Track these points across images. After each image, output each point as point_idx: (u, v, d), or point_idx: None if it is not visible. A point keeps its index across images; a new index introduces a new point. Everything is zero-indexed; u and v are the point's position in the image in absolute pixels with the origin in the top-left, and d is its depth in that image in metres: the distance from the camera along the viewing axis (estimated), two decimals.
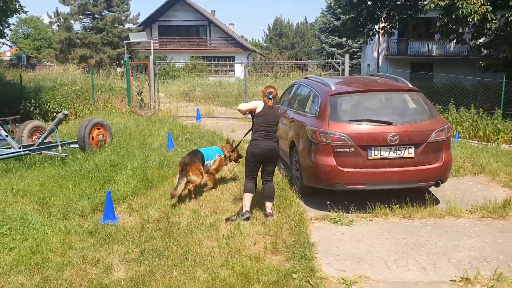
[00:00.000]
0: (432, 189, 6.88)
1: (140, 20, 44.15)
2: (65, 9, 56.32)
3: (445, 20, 14.03)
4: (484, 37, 17.00)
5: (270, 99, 6.02)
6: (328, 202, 6.27)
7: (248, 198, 6.03)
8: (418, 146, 5.92)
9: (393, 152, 5.89)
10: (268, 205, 6.09)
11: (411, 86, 6.65)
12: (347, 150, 5.86)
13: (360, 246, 5.12)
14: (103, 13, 38.86)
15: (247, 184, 6.09)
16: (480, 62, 14.58)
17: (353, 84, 6.89)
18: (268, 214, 6.00)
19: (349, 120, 6.01)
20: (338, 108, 6.13)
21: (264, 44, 73.54)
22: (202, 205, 6.54)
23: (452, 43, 35.09)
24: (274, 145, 5.94)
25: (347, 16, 20.59)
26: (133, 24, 42.79)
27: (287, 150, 7.46)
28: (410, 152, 5.91)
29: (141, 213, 6.36)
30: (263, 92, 6.22)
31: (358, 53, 48.78)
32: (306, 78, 8.06)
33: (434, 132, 5.94)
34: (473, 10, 13.09)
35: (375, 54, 35.63)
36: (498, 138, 11.74)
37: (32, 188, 7.39)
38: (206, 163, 7.17)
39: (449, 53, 34.70)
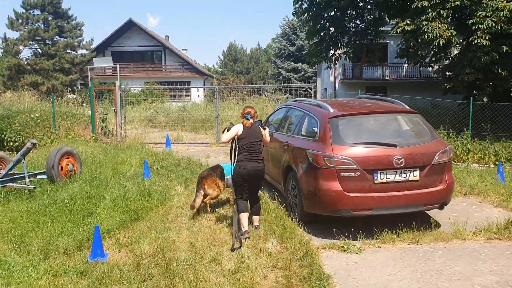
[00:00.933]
0: (430, 212, 6.79)
1: (94, 45, 43.26)
2: (13, 35, 54.45)
3: (411, 44, 14.38)
4: (447, 61, 17.63)
5: (248, 119, 6.17)
6: (334, 230, 6.02)
7: (245, 217, 6.11)
8: (422, 169, 5.82)
9: (399, 175, 5.76)
10: (256, 218, 6.33)
11: (408, 108, 6.61)
12: (353, 174, 5.67)
13: (378, 275, 4.89)
14: (55, 39, 37.75)
15: (240, 205, 6.16)
16: (446, 85, 15.02)
17: (349, 107, 6.76)
18: (256, 226, 6.25)
19: (353, 143, 5.83)
20: (340, 130, 5.96)
21: (219, 69, 73.66)
22: (198, 237, 6.14)
23: (404, 67, 36.67)
24: (259, 165, 6.07)
25: (311, 41, 20.80)
26: (86, 49, 41.84)
27: (279, 176, 7.21)
28: (415, 175, 5.80)
29: (131, 248, 5.88)
30: (241, 114, 6.33)
31: (314, 78, 49.68)
32: (295, 101, 7.89)
33: (437, 154, 5.87)
34: (438, 34, 13.50)
35: (332, 78, 36.33)
36: (468, 158, 11.98)
37: (3, 226, 6.73)
38: (226, 177, 7.19)
39: (402, 77, 36.01)
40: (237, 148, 6.15)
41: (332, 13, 19.29)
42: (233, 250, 5.62)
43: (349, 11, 19.88)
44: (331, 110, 6.23)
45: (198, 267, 5.19)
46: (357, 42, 20.16)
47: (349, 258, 5.39)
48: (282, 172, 7.03)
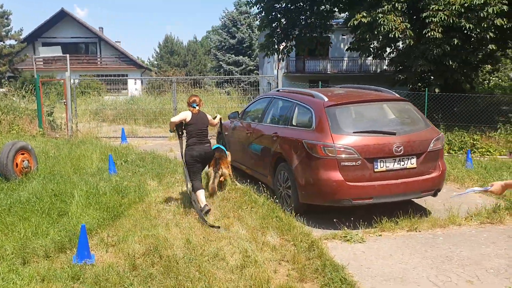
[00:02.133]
0: (418, 199, 6.87)
1: (23, 36, 40.65)
2: None
3: (366, 37, 14.62)
4: (393, 54, 18.16)
5: (195, 107, 6.73)
6: (335, 220, 5.91)
7: (201, 194, 6.61)
8: (419, 156, 5.84)
9: (397, 163, 5.75)
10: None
11: (399, 96, 6.62)
12: (354, 163, 5.58)
13: (390, 264, 4.83)
14: None
15: (195, 184, 6.70)
16: (399, 76, 15.45)
17: (343, 96, 6.66)
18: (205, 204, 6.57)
19: (353, 132, 5.74)
20: (338, 119, 5.84)
21: (155, 62, 71.90)
22: (191, 233, 5.81)
23: (344, 61, 37.59)
24: (208, 148, 6.75)
25: (262, 32, 20.68)
26: (15, 40, 39.25)
27: (266, 168, 7.01)
28: (412, 163, 5.81)
29: (120, 247, 5.46)
30: (187, 103, 6.88)
31: (255, 71, 49.74)
32: (278, 91, 7.70)
33: (432, 141, 5.92)
34: (393, 27, 13.81)
35: (275, 71, 36.50)
36: None
37: None
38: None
39: (342, 70, 36.90)
40: (184, 134, 6.82)
41: (284, 5, 19.27)
42: (213, 226, 5.95)
43: (300, 4, 19.94)
44: (326, 99, 6.10)
45: (202, 264, 4.90)
46: (307, 35, 20.30)
47: (354, 247, 5.30)
48: (270, 164, 6.83)
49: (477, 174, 8.40)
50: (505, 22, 13.55)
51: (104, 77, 36.42)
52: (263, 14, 19.66)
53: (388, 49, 18.08)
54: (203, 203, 6.48)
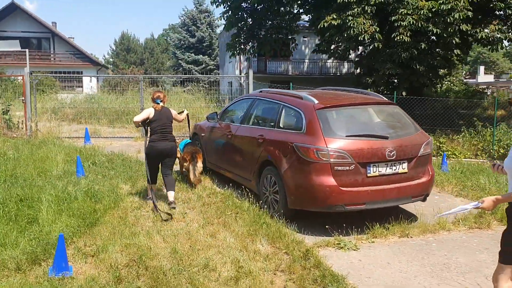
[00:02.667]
0: (403, 205, 6.81)
1: None
2: None
3: (336, 39, 14.62)
4: (357, 58, 18.31)
5: (158, 103, 6.84)
6: (327, 226, 5.72)
7: (154, 188, 7.03)
8: (410, 161, 5.76)
9: (389, 168, 5.63)
10: (171, 194, 6.86)
11: (387, 99, 6.53)
12: (347, 168, 5.42)
13: (390, 273, 4.69)
14: None
15: (152, 178, 6.94)
16: (367, 79, 15.56)
17: (332, 98, 6.49)
18: (171, 202, 6.77)
19: (346, 136, 5.58)
20: (330, 123, 5.67)
21: (111, 59, 70.05)
22: (176, 241, 5.49)
23: (305, 63, 37.82)
24: (169, 144, 6.81)
25: (229, 32, 20.39)
26: None
27: (250, 172, 6.76)
28: (404, 167, 5.72)
29: (100, 258, 5.08)
30: (152, 98, 7.04)
31: (216, 70, 49.28)
32: (261, 91, 7.46)
33: (423, 145, 5.86)
34: (363, 30, 13.87)
35: (237, 72, 36.27)
36: None
37: None
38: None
39: (303, 72, 37.13)
40: (149, 130, 6.83)
41: (251, 5, 19.04)
42: (166, 220, 6.19)
43: (266, 4, 19.77)
44: (316, 102, 5.92)
45: (192, 276, 4.60)
46: (273, 36, 20.17)
47: (350, 255, 5.14)
48: (254, 168, 6.58)
49: (454, 178, 8.46)
50: (469, 28, 13.88)
51: (59, 74, 34.95)
52: (229, 14, 19.33)
53: (351, 52, 18.25)
54: (152, 193, 6.83)
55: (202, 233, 5.78)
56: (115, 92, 19.70)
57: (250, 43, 20.28)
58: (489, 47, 15.64)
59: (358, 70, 19.48)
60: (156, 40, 77.43)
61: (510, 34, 14.85)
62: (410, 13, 13.64)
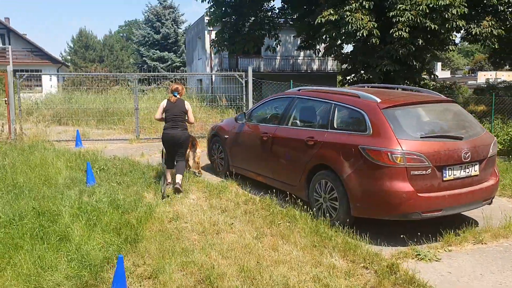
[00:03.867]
0: None
1: None
2: None
3: (333, 35, 14.29)
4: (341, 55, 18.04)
5: (175, 96, 7.36)
6: (402, 236, 5.31)
7: (169, 173, 7.56)
8: (481, 162, 5.43)
9: (463, 171, 5.29)
10: (178, 177, 7.34)
11: (444, 96, 6.20)
12: (424, 172, 5.03)
13: (489, 286, 4.34)
14: None
15: (168, 164, 7.60)
16: (364, 75, 15.32)
17: (393, 96, 6.03)
18: (176, 183, 7.26)
19: (421, 137, 5.19)
20: (400, 123, 5.26)
21: (68, 57, 67.48)
22: (236, 256, 4.94)
23: (277, 60, 37.51)
24: (179, 132, 7.29)
25: (214, 27, 19.74)
26: None
27: (296, 177, 6.26)
28: (475, 170, 5.39)
29: (161, 280, 4.49)
30: (170, 90, 7.57)
31: (182, 68, 48.17)
32: (300, 90, 6.95)
33: (491, 146, 5.55)
34: (361, 26, 13.61)
35: (208, 69, 35.53)
36: None
37: None
38: None
39: (275, 69, 36.81)
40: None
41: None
42: (163, 198, 6.90)
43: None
44: (378, 100, 5.50)
45: None
46: (256, 33, 19.71)
47: (435, 267, 4.74)
48: (303, 172, 6.10)
49: None
50: (465, 24, 13.89)
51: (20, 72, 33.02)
52: (212, 10, 18.68)
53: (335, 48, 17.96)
54: (168, 180, 7.46)
55: (261, 246, 5.26)
56: (92, 91, 18.58)
57: (237, 39, 19.69)
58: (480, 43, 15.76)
59: (345, 66, 19.30)
60: (115, 37, 75.39)
61: (501, 29, 14.97)
62: (408, 8, 13.47)
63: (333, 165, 5.61)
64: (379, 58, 14.76)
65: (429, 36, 14.29)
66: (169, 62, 48.56)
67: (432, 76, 17.73)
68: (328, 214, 5.76)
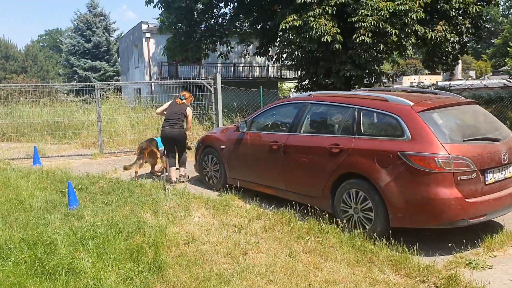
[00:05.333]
0: None
1: None
2: None
3: (297, 40, 14.10)
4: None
5: (182, 99, 8.31)
6: (449, 244, 5.06)
7: (172, 171, 8.36)
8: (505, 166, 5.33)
9: (501, 173, 5.16)
10: (182, 169, 8.73)
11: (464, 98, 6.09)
12: (469, 176, 4.84)
13: None
14: None
15: (169, 161, 8.37)
16: (327, 81, 15.24)
17: (423, 98, 5.75)
18: (182, 175, 8.69)
19: (463, 140, 5.00)
20: (440, 126, 5.04)
21: None
22: (282, 280, 4.47)
23: (218, 67, 37.03)
24: (175, 131, 8.08)
25: (165, 34, 18.94)
26: None
27: (319, 188, 5.87)
28: (510, 171, 5.29)
29: None
30: (180, 95, 8.47)
31: (116, 77, 46.25)
32: (310, 95, 6.56)
33: None
34: (325, 31, 13.54)
35: (147, 77, 34.32)
36: None
37: None
38: (160, 148, 8.81)
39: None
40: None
41: (184, 4, 17.82)
42: (165, 189, 7.56)
43: (200, 5, 18.75)
44: (411, 103, 5.26)
45: None
46: (208, 39, 19.20)
47: (493, 275, 4.52)
48: (327, 182, 5.73)
49: None
50: (422, 29, 14.25)
51: None
52: (162, 16, 17.91)
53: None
54: (174, 178, 8.31)
55: (302, 265, 4.83)
56: (21, 103, 16.83)
57: (188, 46, 19.03)
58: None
59: (299, 73, 19.24)
60: (37, 46, 71.47)
61: (454, 34, 15.55)
62: (370, 14, 13.59)
63: (366, 174, 5.29)
64: (341, 64, 14.77)
65: (389, 41, 14.48)
66: (101, 72, 46.50)
67: (392, 80, 18.10)
68: (360, 226, 5.42)
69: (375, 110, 5.53)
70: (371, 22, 13.53)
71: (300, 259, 4.99)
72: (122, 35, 43.94)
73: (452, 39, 15.28)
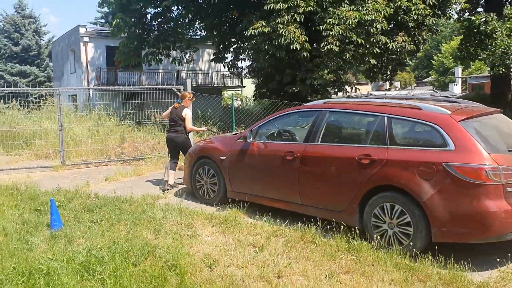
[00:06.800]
0: None
1: None
2: None
3: (265, 47, 13.75)
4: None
5: (179, 102, 8.42)
6: (497, 259, 4.84)
7: (172, 174, 8.35)
8: None
9: None
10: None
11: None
12: None
13: None
14: None
15: (170, 164, 8.44)
16: (294, 88, 14.93)
17: (456, 107, 5.49)
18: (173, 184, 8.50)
19: (509, 150, 4.83)
20: (483, 136, 4.84)
21: None
22: None
23: (160, 73, 35.97)
24: (174, 135, 8.24)
25: (118, 37, 17.88)
26: None
27: (345, 202, 5.49)
28: None
29: None
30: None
31: (47, 83, 43.49)
32: (326, 102, 6.17)
33: None
34: (294, 39, 13.33)
35: (85, 83, 32.56)
36: None
37: None
38: None
39: (159, 83, 35.18)
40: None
41: (139, 7, 16.97)
42: (163, 190, 8.13)
43: (153, 8, 17.97)
44: (449, 112, 5.04)
45: None
46: (161, 44, 18.42)
47: None
48: (355, 196, 5.36)
49: None
50: (384, 39, 14.43)
51: None
52: (117, 20, 16.92)
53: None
54: (171, 182, 8.29)
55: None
56: None
57: (147, 49, 18.11)
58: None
59: (258, 80, 18.93)
60: None
61: (412, 45, 15.92)
62: (337, 23, 13.55)
63: (404, 186, 4.98)
64: (307, 72, 14.62)
65: (354, 50, 14.53)
66: (31, 77, 43.59)
67: (354, 89, 18.23)
68: (396, 242, 5.10)
69: (409, 118, 5.26)
70: (338, 31, 13.49)
71: (343, 281, 4.58)
72: (54, 38, 41.59)
73: (410, 49, 15.63)
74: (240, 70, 20.91)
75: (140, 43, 17.97)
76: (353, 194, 5.41)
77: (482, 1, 20.77)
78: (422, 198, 4.84)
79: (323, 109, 6.05)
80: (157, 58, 18.86)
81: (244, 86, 40.04)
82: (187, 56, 20.19)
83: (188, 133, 8.49)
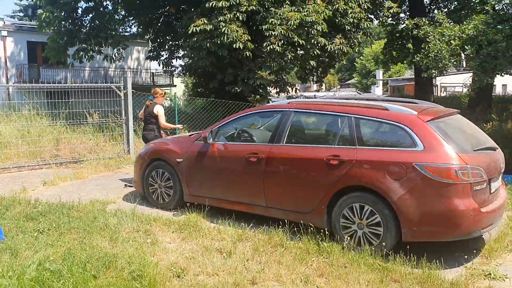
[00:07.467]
0: None
1: None
2: None
3: (207, 45, 13.44)
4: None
5: (151, 99, 8.41)
6: (464, 256, 4.95)
7: None
8: (499, 175, 5.49)
9: (497, 182, 5.26)
10: None
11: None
12: (482, 186, 4.81)
13: None
14: None
15: None
16: (236, 88, 14.68)
17: (420, 107, 5.52)
18: None
19: (474, 150, 4.96)
20: (450, 136, 4.94)
21: None
22: None
23: (86, 71, 34.39)
24: (144, 132, 8.35)
25: (44, 31, 16.73)
26: None
27: (313, 203, 5.41)
28: (499, 182, 5.43)
29: None
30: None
31: None
32: (291, 103, 6.03)
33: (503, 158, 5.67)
34: (237, 38, 13.18)
35: (4, 80, 30.37)
36: None
37: None
38: None
39: (85, 81, 33.60)
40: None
41: (68, 0, 16.00)
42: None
43: (84, 2, 17.06)
44: (415, 112, 5.11)
45: None
46: (93, 40, 17.52)
47: None
48: (323, 197, 5.30)
49: None
50: (323, 42, 14.66)
51: None
52: (45, 11, 15.85)
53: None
54: None
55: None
56: None
57: (78, 45, 17.11)
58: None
59: (195, 80, 18.54)
60: None
61: (349, 47, 16.28)
62: (279, 23, 13.56)
63: (374, 186, 4.98)
64: (249, 71, 14.51)
65: (296, 51, 14.61)
66: None
67: (295, 89, 18.30)
68: (366, 242, 5.10)
69: (377, 119, 5.28)
70: (280, 31, 13.50)
71: (319, 285, 4.50)
72: None
73: (347, 51, 16.01)
74: (173, 68, 20.31)
75: (70, 39, 16.96)
76: (321, 195, 5.35)
77: (404, 7, 21.67)
78: (392, 198, 4.87)
79: (287, 109, 5.93)
80: (89, 54, 17.92)
81: (175, 85, 39.28)
82: (116, 52, 19.35)
83: (162, 130, 8.58)
